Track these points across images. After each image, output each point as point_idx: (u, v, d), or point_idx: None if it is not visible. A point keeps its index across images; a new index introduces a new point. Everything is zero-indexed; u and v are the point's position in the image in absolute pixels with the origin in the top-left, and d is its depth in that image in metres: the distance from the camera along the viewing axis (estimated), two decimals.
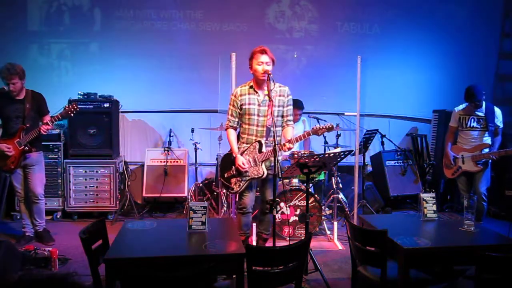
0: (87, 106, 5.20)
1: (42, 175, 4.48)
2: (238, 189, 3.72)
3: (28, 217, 4.47)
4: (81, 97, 5.30)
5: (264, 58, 3.56)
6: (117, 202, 5.32)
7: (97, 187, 5.28)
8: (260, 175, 3.64)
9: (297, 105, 4.97)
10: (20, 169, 4.36)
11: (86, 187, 5.26)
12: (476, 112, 4.62)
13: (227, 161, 3.81)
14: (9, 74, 4.06)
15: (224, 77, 5.09)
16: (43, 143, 4.60)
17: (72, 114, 4.22)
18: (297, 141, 3.54)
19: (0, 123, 4.40)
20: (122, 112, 5.82)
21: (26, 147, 4.21)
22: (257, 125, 3.67)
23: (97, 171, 5.27)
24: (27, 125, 4.22)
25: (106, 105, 5.31)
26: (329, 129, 3.43)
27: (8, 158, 4.19)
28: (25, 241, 4.36)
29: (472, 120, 4.65)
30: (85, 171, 5.25)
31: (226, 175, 3.80)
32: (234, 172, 3.73)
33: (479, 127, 4.62)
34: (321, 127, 3.43)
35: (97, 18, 5.89)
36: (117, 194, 5.31)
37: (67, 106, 4.24)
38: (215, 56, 5.47)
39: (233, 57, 4.67)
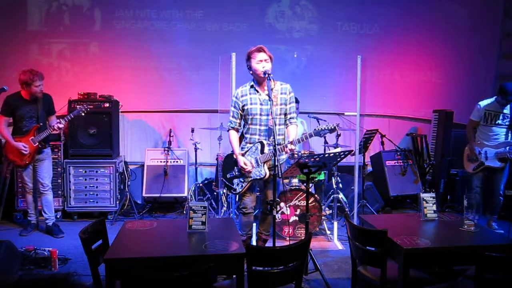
0: (87, 106, 5.19)
1: (50, 167, 4.79)
2: (240, 190, 3.72)
3: (34, 207, 4.80)
4: (81, 97, 5.31)
5: (262, 55, 3.55)
6: (117, 202, 5.32)
7: (97, 187, 5.28)
8: (262, 176, 3.63)
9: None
10: (31, 165, 4.66)
11: (86, 187, 5.27)
12: (504, 110, 4.69)
13: (230, 161, 3.81)
14: (37, 77, 4.44)
15: (224, 77, 5.08)
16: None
17: (83, 114, 4.60)
18: (298, 142, 3.54)
19: (10, 122, 4.65)
20: (122, 112, 5.82)
21: (40, 145, 4.56)
22: (260, 125, 3.66)
23: (97, 171, 5.27)
24: (41, 124, 4.56)
25: (106, 105, 5.32)
26: (332, 130, 3.41)
27: (24, 154, 4.51)
28: (31, 228, 4.73)
29: (498, 116, 4.71)
30: (85, 171, 5.25)
31: (228, 176, 3.80)
32: (237, 173, 3.73)
33: (504, 124, 4.70)
34: (323, 128, 3.42)
35: (97, 18, 5.89)
36: (117, 194, 5.31)
37: (78, 106, 4.60)
38: (215, 56, 5.46)
39: (233, 57, 4.66)
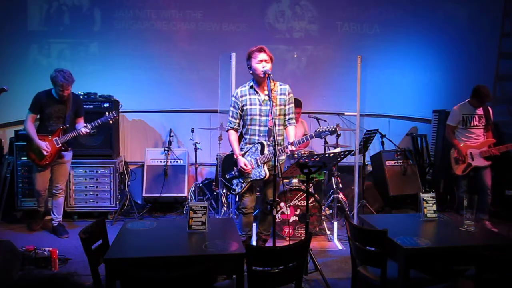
0: (87, 106, 5.20)
1: (67, 171, 4.80)
2: (239, 190, 3.72)
3: (43, 201, 4.77)
4: (81, 97, 5.30)
5: (263, 56, 3.55)
6: (117, 202, 5.32)
7: (97, 187, 5.28)
8: (262, 177, 3.63)
9: (296, 103, 4.98)
10: (49, 168, 4.61)
11: (86, 187, 5.27)
12: (477, 111, 4.90)
13: (229, 162, 3.81)
14: (66, 83, 4.35)
15: (224, 77, 5.08)
16: None
17: (111, 122, 4.55)
18: (299, 143, 3.54)
19: (37, 117, 4.60)
20: (122, 112, 5.82)
21: (63, 147, 4.51)
22: (259, 125, 3.66)
23: (97, 171, 5.27)
24: (67, 125, 4.52)
25: (106, 105, 5.32)
26: (332, 132, 3.41)
27: (45, 155, 4.46)
28: (40, 220, 4.83)
29: (475, 119, 4.92)
30: (85, 171, 5.26)
31: (227, 176, 3.80)
32: (236, 173, 3.73)
33: (481, 125, 4.92)
34: (324, 130, 3.41)
35: (97, 18, 5.89)
36: (117, 194, 5.32)
37: (107, 113, 4.53)
38: (215, 56, 5.46)
39: (233, 57, 4.66)
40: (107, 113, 4.54)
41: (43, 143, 4.43)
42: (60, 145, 4.49)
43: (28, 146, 4.56)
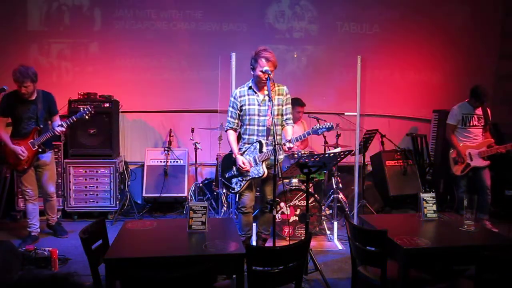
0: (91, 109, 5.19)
1: (54, 174, 4.62)
2: (239, 189, 3.72)
3: (34, 217, 4.49)
4: (81, 97, 5.30)
5: (269, 65, 3.51)
6: (117, 202, 5.32)
7: (97, 187, 5.28)
8: (260, 175, 3.64)
9: (299, 102, 4.99)
10: (32, 169, 4.42)
11: (86, 187, 5.27)
12: (476, 111, 4.93)
13: (228, 161, 3.82)
14: (21, 77, 4.11)
15: (224, 77, 5.09)
16: None
17: (87, 117, 4.32)
18: (297, 140, 3.55)
19: (9, 122, 4.42)
20: (122, 112, 5.82)
21: (40, 149, 4.31)
22: (258, 125, 3.67)
23: (97, 171, 5.27)
24: (41, 126, 4.31)
25: (106, 105, 5.32)
26: (329, 128, 3.42)
27: (21, 159, 4.27)
28: (31, 241, 4.40)
29: (474, 119, 4.94)
30: (85, 171, 5.25)
31: (227, 175, 3.81)
32: (235, 172, 3.74)
33: (480, 125, 4.94)
34: (320, 127, 3.42)
35: (97, 18, 5.89)
36: (117, 194, 5.31)
37: (82, 108, 4.36)
38: (215, 56, 5.47)
39: (233, 57, 4.66)
40: (82, 108, 4.33)
41: (18, 148, 4.20)
42: (36, 147, 4.27)
43: (3, 151, 4.30)
